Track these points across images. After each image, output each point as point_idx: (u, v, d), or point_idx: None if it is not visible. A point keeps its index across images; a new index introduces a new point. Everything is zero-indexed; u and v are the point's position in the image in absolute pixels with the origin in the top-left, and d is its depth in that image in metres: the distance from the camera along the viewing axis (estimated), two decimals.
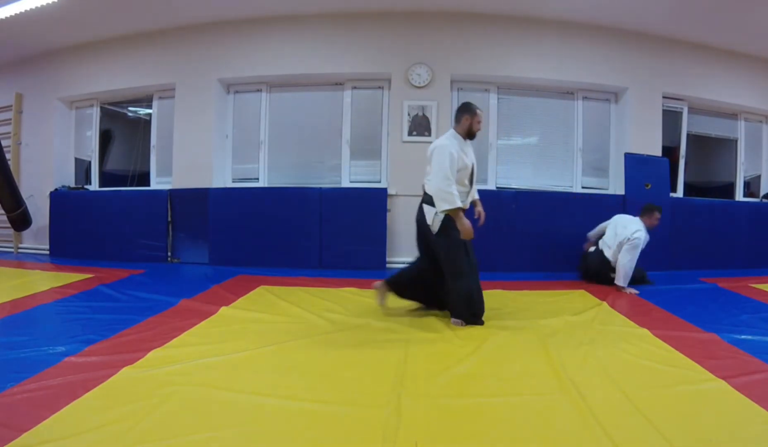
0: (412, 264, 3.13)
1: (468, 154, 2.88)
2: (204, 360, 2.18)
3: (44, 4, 4.52)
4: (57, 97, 5.86)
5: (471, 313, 2.82)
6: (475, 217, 3.06)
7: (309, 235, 5.00)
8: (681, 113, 5.54)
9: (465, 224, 2.74)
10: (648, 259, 4.96)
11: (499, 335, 2.64)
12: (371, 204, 4.95)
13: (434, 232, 2.81)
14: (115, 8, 4.87)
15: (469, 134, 2.90)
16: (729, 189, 5.80)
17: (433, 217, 2.80)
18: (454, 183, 2.72)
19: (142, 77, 5.52)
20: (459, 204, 2.71)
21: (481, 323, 2.83)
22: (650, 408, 1.71)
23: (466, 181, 2.88)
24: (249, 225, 5.08)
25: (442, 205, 2.72)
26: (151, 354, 2.24)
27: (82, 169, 6.08)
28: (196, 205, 5.17)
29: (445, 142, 2.80)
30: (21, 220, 5.60)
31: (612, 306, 3.30)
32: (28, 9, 4.60)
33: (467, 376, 2.06)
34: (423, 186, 2.91)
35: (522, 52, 5.10)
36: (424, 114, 5.04)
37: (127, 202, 5.44)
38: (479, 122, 2.90)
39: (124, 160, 5.94)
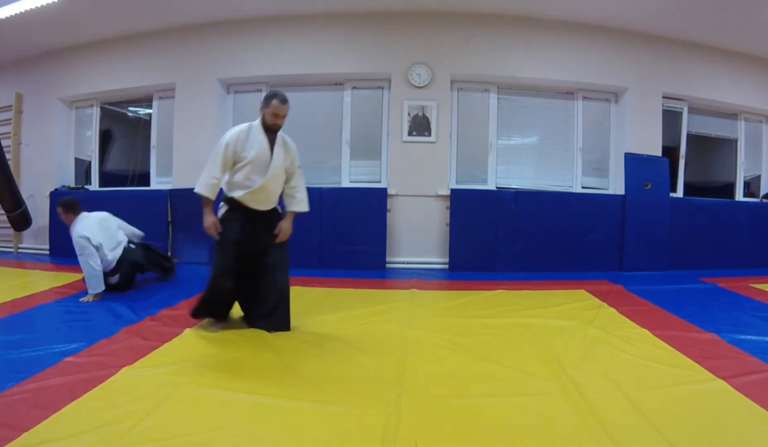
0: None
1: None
2: (204, 360, 2.18)
3: (44, 4, 4.52)
4: (57, 97, 5.86)
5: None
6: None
7: (309, 235, 4.99)
8: (681, 113, 5.54)
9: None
10: (648, 259, 5.00)
11: (499, 335, 2.64)
12: (371, 204, 4.94)
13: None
14: (115, 8, 4.87)
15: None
16: (729, 189, 5.80)
17: None
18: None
19: (142, 77, 5.52)
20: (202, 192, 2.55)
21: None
22: (650, 408, 1.71)
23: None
24: None
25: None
26: (150, 354, 2.24)
27: (82, 169, 6.08)
28: (196, 205, 5.12)
29: None
30: (21, 220, 5.60)
31: (612, 306, 3.30)
32: (28, 9, 4.60)
33: (467, 376, 2.06)
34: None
35: (522, 52, 5.09)
36: (424, 114, 5.04)
37: (127, 202, 5.43)
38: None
39: (124, 160, 5.94)
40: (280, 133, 2.62)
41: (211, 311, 2.71)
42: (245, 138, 2.53)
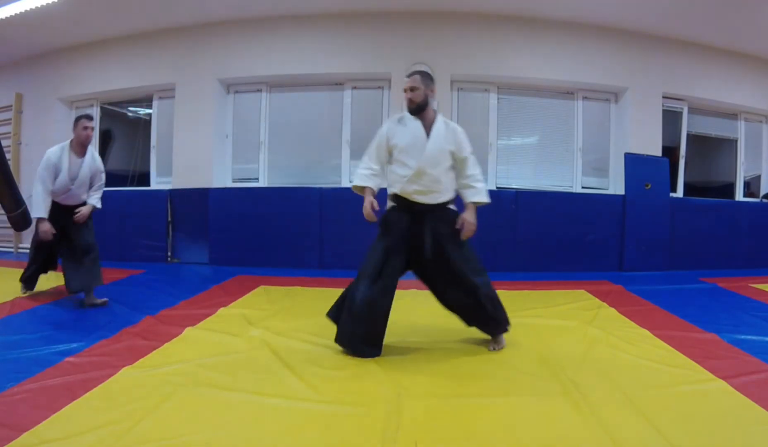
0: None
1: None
2: (204, 360, 2.18)
3: (44, 4, 4.52)
4: (57, 97, 5.85)
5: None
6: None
7: (309, 235, 4.99)
8: (681, 113, 5.54)
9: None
10: (649, 259, 4.99)
11: None
12: None
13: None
14: (115, 8, 4.87)
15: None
16: (729, 189, 5.80)
17: None
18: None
19: (142, 77, 5.52)
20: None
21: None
22: (650, 408, 1.71)
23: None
24: (249, 225, 5.07)
25: None
26: (150, 354, 2.24)
27: None
28: (196, 205, 5.17)
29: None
30: (21, 220, 5.58)
31: (612, 306, 3.30)
32: (28, 9, 4.60)
33: (467, 376, 2.06)
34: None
35: (522, 52, 5.09)
36: None
37: (127, 202, 5.43)
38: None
39: (124, 160, 5.94)
40: (440, 117, 2.43)
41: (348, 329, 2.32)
42: (399, 126, 2.42)
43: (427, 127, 2.38)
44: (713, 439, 1.52)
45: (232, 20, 5.22)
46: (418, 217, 2.35)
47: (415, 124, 2.39)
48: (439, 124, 2.39)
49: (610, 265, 4.99)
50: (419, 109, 2.39)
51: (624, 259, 4.98)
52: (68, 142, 3.34)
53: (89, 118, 3.31)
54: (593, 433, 1.55)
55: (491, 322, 2.41)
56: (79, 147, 3.33)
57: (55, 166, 3.28)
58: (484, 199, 2.40)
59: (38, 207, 3.20)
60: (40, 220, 3.21)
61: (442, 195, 2.36)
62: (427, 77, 2.40)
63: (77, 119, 3.30)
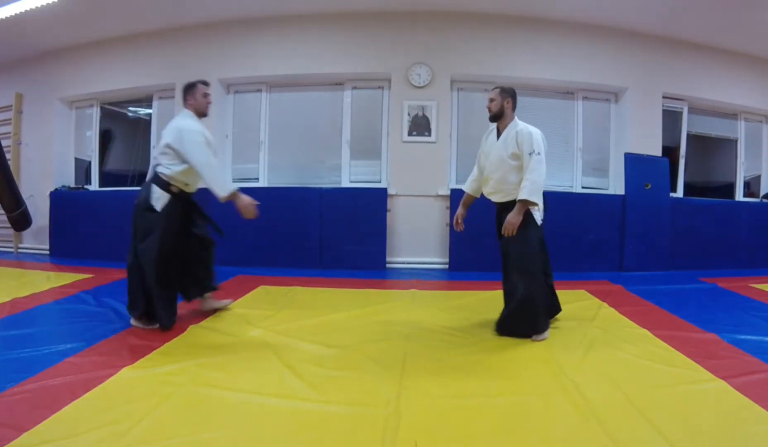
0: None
1: None
2: (204, 360, 2.18)
3: (44, 4, 4.52)
4: (57, 97, 5.86)
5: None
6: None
7: (309, 235, 5.00)
8: (681, 113, 5.54)
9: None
10: (648, 259, 4.99)
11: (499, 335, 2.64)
12: (371, 204, 4.94)
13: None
14: (115, 8, 4.87)
15: None
16: (729, 189, 5.80)
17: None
18: None
19: (142, 77, 5.52)
20: None
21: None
22: (650, 408, 1.71)
23: None
24: (249, 225, 5.05)
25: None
26: (151, 354, 2.24)
27: (82, 169, 6.08)
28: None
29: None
30: (21, 220, 5.60)
31: (612, 306, 3.30)
32: (28, 9, 4.60)
33: (467, 376, 2.06)
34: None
35: (522, 52, 5.09)
36: (424, 114, 5.04)
37: (127, 202, 5.40)
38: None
39: (124, 160, 5.94)
40: (513, 124, 2.63)
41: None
42: (488, 134, 2.78)
43: (500, 135, 2.64)
44: (713, 439, 1.52)
45: (232, 20, 5.22)
46: (498, 212, 2.68)
47: (494, 133, 2.70)
48: (508, 130, 2.60)
49: (610, 265, 4.99)
50: (495, 118, 2.67)
51: (624, 259, 4.97)
52: (188, 115, 2.75)
53: (205, 83, 2.77)
54: (593, 432, 1.55)
55: (520, 326, 2.56)
56: (201, 118, 2.81)
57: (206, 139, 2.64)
58: (524, 196, 2.43)
59: (226, 179, 2.61)
60: (235, 194, 2.61)
61: (511, 194, 2.56)
62: (505, 92, 2.67)
63: (191, 86, 2.73)
